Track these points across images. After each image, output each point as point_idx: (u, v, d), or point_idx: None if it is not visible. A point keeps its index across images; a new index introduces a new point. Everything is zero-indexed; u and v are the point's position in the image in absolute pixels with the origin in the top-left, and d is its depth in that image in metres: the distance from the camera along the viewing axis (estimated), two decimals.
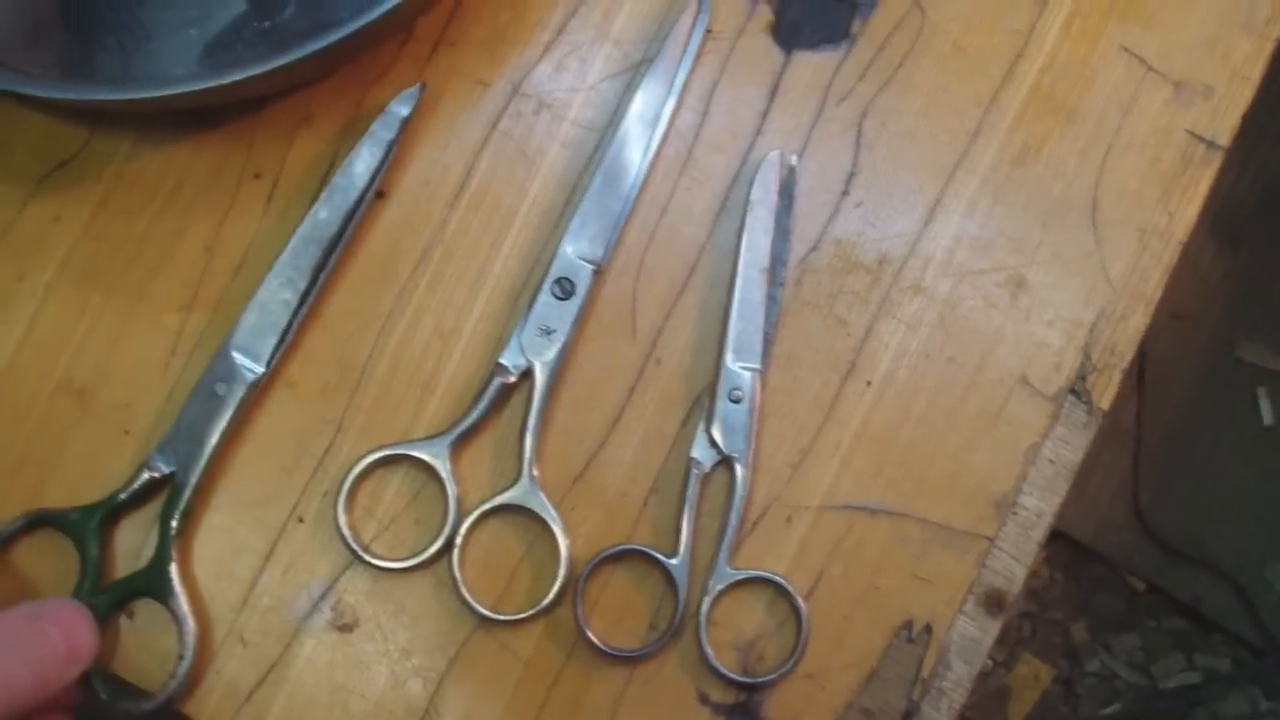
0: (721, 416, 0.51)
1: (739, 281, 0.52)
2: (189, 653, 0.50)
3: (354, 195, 0.52)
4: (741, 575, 0.51)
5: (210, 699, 0.51)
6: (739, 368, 0.51)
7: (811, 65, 0.55)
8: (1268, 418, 1.48)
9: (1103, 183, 0.53)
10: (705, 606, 0.50)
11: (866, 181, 0.54)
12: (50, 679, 0.45)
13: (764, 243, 0.52)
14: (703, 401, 0.52)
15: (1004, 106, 0.54)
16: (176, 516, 0.50)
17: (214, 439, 0.51)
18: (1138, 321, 0.53)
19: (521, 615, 0.50)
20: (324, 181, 0.53)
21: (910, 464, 0.52)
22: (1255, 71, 0.54)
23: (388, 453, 0.51)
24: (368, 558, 0.51)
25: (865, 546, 0.51)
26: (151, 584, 0.50)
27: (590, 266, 0.52)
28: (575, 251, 0.52)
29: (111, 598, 0.50)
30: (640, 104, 0.53)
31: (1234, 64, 0.54)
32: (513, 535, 0.51)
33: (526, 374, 0.52)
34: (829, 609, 0.51)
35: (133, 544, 0.52)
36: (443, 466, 0.51)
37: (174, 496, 0.51)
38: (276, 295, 0.52)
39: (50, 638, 0.45)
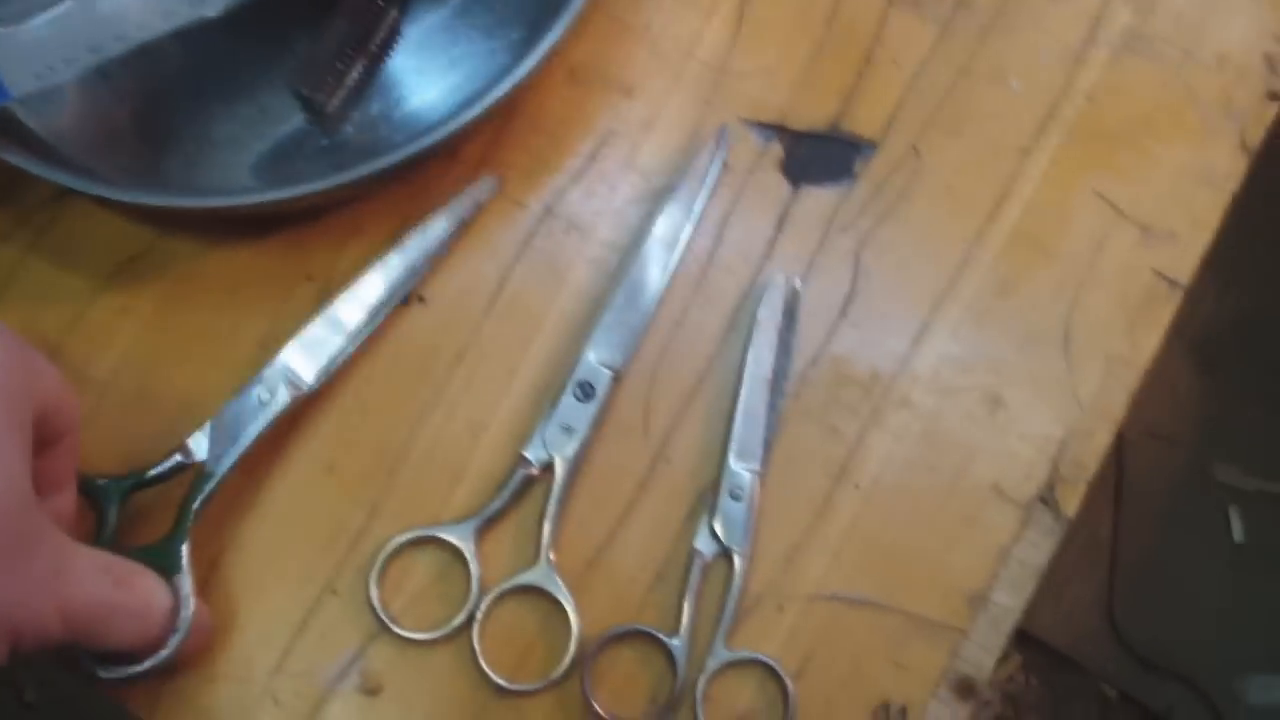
0: (723, 512, 0.56)
1: (743, 391, 0.57)
2: (184, 626, 0.52)
3: (428, 248, 0.59)
4: (736, 656, 0.55)
5: None
6: (741, 468, 0.57)
7: (817, 199, 0.61)
8: (1239, 535, 1.53)
9: (1075, 314, 0.59)
10: (702, 684, 0.55)
11: (863, 305, 0.59)
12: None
13: (768, 357, 0.58)
14: (706, 498, 0.57)
15: (989, 242, 0.60)
16: (198, 500, 0.54)
17: (250, 439, 0.55)
18: (1102, 439, 0.58)
19: (535, 687, 0.55)
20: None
21: (893, 560, 0.57)
22: (1214, 219, 0.60)
23: (418, 534, 0.56)
24: (395, 629, 0.55)
25: (849, 634, 0.56)
26: (161, 558, 0.53)
27: (609, 372, 0.57)
28: (597, 358, 0.58)
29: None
30: (661, 228, 0.59)
31: (1195, 212, 0.60)
32: (529, 613, 0.56)
33: (548, 467, 0.57)
34: (814, 689, 0.56)
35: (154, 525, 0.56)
36: (468, 548, 0.56)
37: (199, 482, 0.55)
38: (333, 320, 0.58)
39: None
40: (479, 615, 0.55)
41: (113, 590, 0.48)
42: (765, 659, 0.56)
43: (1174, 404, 1.56)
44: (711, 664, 0.55)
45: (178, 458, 0.55)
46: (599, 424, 0.58)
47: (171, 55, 0.62)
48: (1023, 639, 1.51)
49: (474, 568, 0.56)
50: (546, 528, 0.56)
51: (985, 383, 0.59)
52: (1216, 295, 1.58)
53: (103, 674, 0.52)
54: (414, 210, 0.60)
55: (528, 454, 0.57)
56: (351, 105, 0.62)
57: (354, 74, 0.61)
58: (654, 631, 0.55)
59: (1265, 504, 1.53)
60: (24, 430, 0.45)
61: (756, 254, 0.60)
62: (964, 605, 0.56)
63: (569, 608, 0.55)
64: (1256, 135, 0.61)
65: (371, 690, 0.56)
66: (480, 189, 0.60)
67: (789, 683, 0.55)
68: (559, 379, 0.58)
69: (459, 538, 0.56)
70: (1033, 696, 1.52)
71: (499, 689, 0.55)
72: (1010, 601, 0.57)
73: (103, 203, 0.60)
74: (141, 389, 0.59)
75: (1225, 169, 0.61)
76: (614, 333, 0.58)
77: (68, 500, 0.52)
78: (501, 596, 0.56)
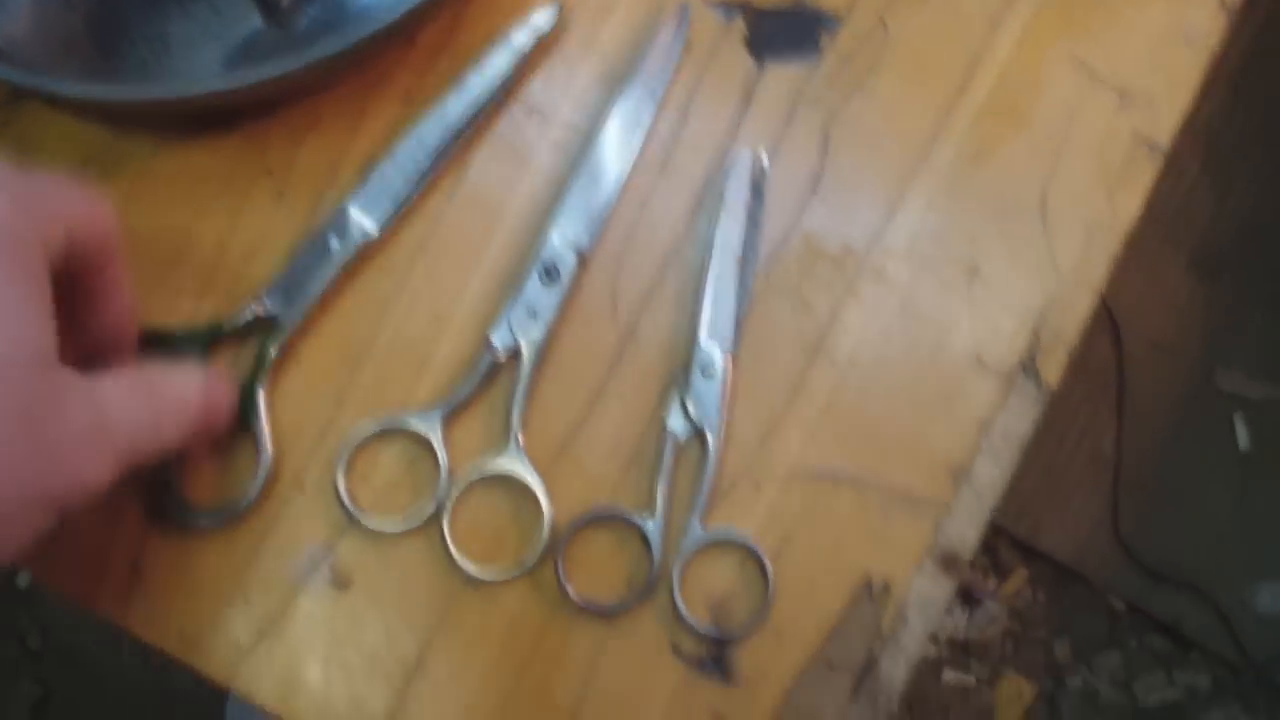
0: (695, 391, 0.55)
1: (713, 268, 0.56)
2: (261, 475, 0.54)
3: (485, 93, 0.58)
4: (712, 537, 0.54)
5: (215, 654, 0.54)
6: (712, 347, 0.55)
7: (782, 75, 0.59)
8: (1244, 443, 1.52)
9: (1052, 181, 0.58)
10: (678, 566, 0.54)
11: (833, 180, 0.58)
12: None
13: (736, 233, 0.56)
14: (678, 378, 0.56)
15: (961, 112, 0.58)
16: (273, 350, 0.55)
17: (319, 287, 0.56)
18: (1084, 306, 0.57)
19: (508, 575, 0.54)
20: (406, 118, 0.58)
21: (872, 436, 0.55)
22: (1193, 79, 0.59)
23: (384, 425, 0.55)
24: (364, 521, 0.54)
25: (829, 511, 0.55)
26: (241, 406, 0.55)
27: (575, 254, 0.56)
28: (561, 240, 0.56)
29: None
30: (624, 109, 0.58)
31: (1173, 73, 0.59)
32: (500, 501, 0.55)
33: (514, 354, 0.55)
34: (795, 569, 0.54)
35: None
36: (435, 438, 0.55)
37: (273, 334, 0.55)
38: (399, 169, 0.57)
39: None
40: (449, 505, 0.54)
41: (149, 405, 0.47)
42: (743, 539, 0.54)
43: (1175, 314, 1.55)
44: (688, 546, 0.54)
45: (254, 310, 0.55)
46: (565, 307, 0.56)
47: None
48: (1028, 553, 1.51)
49: (442, 457, 0.55)
50: (515, 413, 0.55)
51: (962, 254, 0.57)
52: (1215, 202, 1.57)
53: (204, 522, 0.55)
54: (373, 101, 0.59)
55: (493, 340, 0.55)
56: None
57: None
58: (628, 515, 0.54)
59: (1271, 410, 1.52)
60: (36, 277, 0.42)
61: (722, 132, 0.59)
62: (946, 478, 0.55)
63: (540, 493, 0.54)
64: None
65: (342, 584, 0.55)
66: (540, 18, 0.59)
67: (768, 562, 0.54)
68: (524, 264, 0.57)
69: (426, 427, 0.55)
70: (1040, 611, 1.51)
71: (471, 578, 0.54)
72: (994, 473, 0.55)
73: (56, 104, 0.58)
74: None
75: (1204, 27, 0.59)
76: (578, 214, 0.57)
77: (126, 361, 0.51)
78: (471, 485, 0.55)
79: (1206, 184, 1.56)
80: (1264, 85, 1.64)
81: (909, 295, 0.57)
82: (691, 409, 0.55)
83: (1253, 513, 1.51)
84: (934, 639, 1.49)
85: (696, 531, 0.54)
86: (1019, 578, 1.50)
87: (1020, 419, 0.56)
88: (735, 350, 0.56)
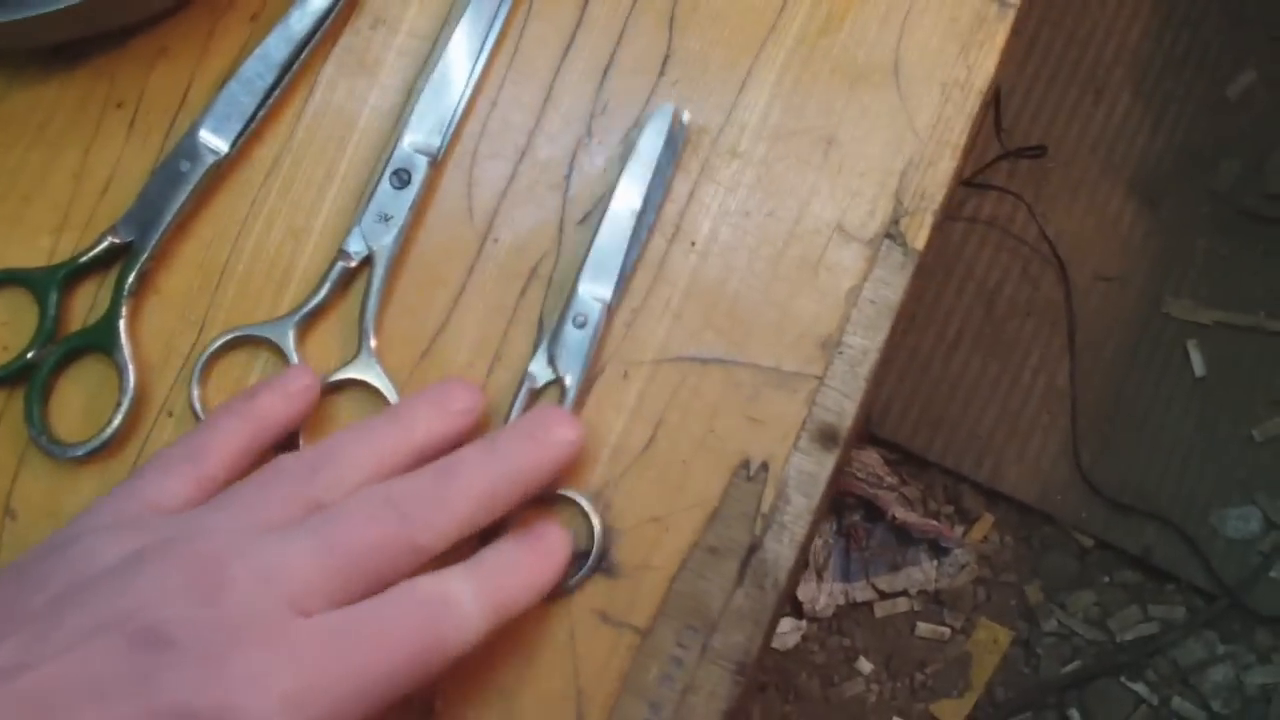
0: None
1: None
2: (126, 400, 0.54)
3: (328, 6, 0.58)
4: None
5: None
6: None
7: None
8: (1199, 369, 1.50)
9: (903, 44, 0.57)
10: None
11: (681, 61, 0.57)
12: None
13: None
14: (539, 270, 0.55)
15: None
16: (131, 276, 0.55)
17: (173, 211, 0.55)
18: (946, 167, 0.56)
19: None
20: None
21: (738, 315, 0.54)
22: None
23: (235, 335, 0.54)
24: None
25: (700, 394, 0.54)
26: (100, 337, 0.54)
27: (426, 157, 0.55)
28: (411, 144, 0.56)
29: (63, 348, 0.55)
30: (469, 11, 0.57)
31: None
32: (357, 408, 0.54)
33: (368, 259, 0.55)
34: (670, 455, 0.53)
35: (91, 307, 0.56)
36: (287, 346, 0.54)
37: (130, 260, 0.55)
38: (246, 87, 0.57)
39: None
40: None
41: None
42: (614, 428, 0.53)
43: (1119, 245, 1.53)
44: None
45: (109, 239, 0.55)
46: (420, 211, 0.56)
47: None
48: (993, 498, 1.49)
49: (296, 364, 0.54)
50: (368, 318, 0.54)
51: (817, 124, 0.56)
52: (1150, 129, 1.56)
53: (73, 453, 0.54)
54: (220, 23, 0.59)
55: (347, 247, 0.55)
56: None
57: None
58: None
59: (1224, 334, 1.50)
60: None
61: (568, 25, 0.58)
62: (817, 352, 0.54)
63: (391, 399, 0.53)
64: None
65: None
66: None
67: (642, 450, 0.53)
68: (377, 173, 0.56)
69: (277, 335, 0.54)
70: (1009, 555, 1.49)
71: None
72: (866, 342, 0.54)
73: None
74: None
75: None
76: (428, 118, 0.56)
77: None
78: (324, 392, 0.54)
79: (1140, 111, 1.55)
80: (1189, 3, 1.63)
81: (765, 171, 0.56)
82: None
83: (1214, 437, 1.49)
84: (905, 592, 1.47)
85: None
86: (985, 524, 1.48)
87: (889, 286, 0.55)
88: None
